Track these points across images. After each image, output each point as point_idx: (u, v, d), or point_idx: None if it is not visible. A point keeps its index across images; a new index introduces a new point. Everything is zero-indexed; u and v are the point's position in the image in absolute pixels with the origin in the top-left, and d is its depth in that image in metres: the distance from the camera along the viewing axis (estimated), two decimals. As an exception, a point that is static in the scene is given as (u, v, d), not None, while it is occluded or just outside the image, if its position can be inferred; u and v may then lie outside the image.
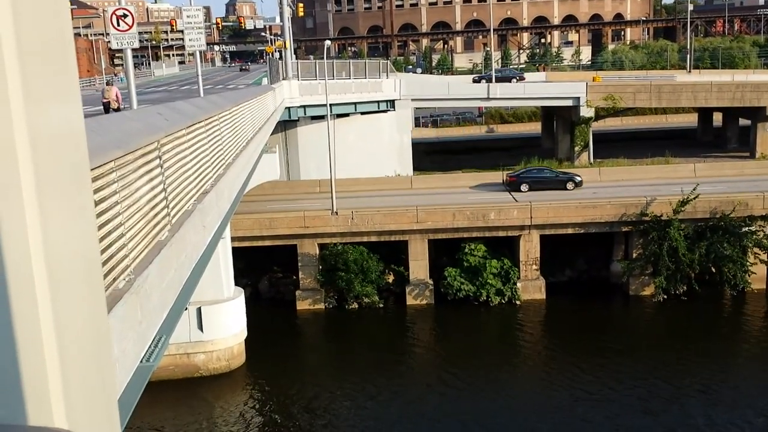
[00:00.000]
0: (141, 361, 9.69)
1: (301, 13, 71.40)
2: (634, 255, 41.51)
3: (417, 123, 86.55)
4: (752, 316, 39.36)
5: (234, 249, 35.93)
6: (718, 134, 74.21)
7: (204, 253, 14.96)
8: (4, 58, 1.61)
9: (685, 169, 51.12)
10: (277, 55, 71.80)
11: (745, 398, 30.08)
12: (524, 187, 47.15)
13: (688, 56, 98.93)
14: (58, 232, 1.79)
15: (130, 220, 9.23)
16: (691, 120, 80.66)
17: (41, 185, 1.72)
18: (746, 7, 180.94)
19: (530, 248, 41.56)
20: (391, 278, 42.79)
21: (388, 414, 30.04)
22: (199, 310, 32.80)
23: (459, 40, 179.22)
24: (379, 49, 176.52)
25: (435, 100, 68.85)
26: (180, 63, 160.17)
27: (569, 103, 64.69)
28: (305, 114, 53.09)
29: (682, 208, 40.24)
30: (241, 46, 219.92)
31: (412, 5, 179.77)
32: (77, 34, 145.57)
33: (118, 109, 24.80)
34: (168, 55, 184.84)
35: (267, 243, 41.53)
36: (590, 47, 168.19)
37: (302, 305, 41.67)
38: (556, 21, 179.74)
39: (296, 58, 67.41)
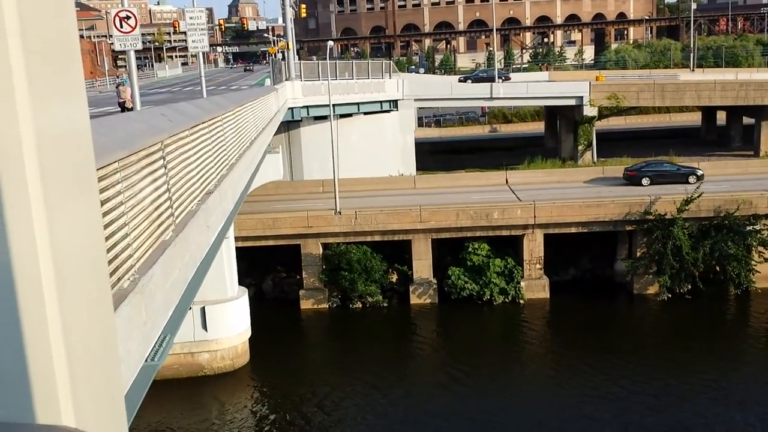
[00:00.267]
0: (146, 361, 9.70)
1: (303, 14, 71.32)
2: (638, 254, 41.44)
3: (420, 123, 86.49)
4: (757, 315, 39.28)
5: (238, 249, 35.97)
6: (722, 133, 74.00)
7: (208, 253, 14.97)
8: (10, 57, 1.61)
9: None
10: (279, 56, 71.90)
11: (751, 396, 30.01)
12: (645, 181, 46.22)
13: (692, 55, 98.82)
14: (65, 230, 1.80)
15: (135, 220, 9.25)
16: (694, 119, 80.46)
17: (47, 184, 1.72)
18: (750, 6, 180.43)
19: (534, 247, 41.53)
20: (394, 278, 42.79)
21: (394, 412, 30.01)
22: (203, 309, 32.88)
23: (462, 40, 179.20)
24: (382, 50, 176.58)
25: (438, 100, 68.85)
26: (183, 64, 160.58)
27: (572, 102, 64.64)
28: (308, 114, 53.10)
29: (686, 207, 40.21)
30: (244, 48, 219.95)
31: (414, 5, 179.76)
32: (80, 36, 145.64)
33: (131, 109, 24.92)
34: (171, 57, 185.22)
35: (270, 243, 41.58)
36: (593, 46, 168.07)
37: (306, 305, 41.70)
38: (559, 20, 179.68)
39: (299, 59, 67.48)
